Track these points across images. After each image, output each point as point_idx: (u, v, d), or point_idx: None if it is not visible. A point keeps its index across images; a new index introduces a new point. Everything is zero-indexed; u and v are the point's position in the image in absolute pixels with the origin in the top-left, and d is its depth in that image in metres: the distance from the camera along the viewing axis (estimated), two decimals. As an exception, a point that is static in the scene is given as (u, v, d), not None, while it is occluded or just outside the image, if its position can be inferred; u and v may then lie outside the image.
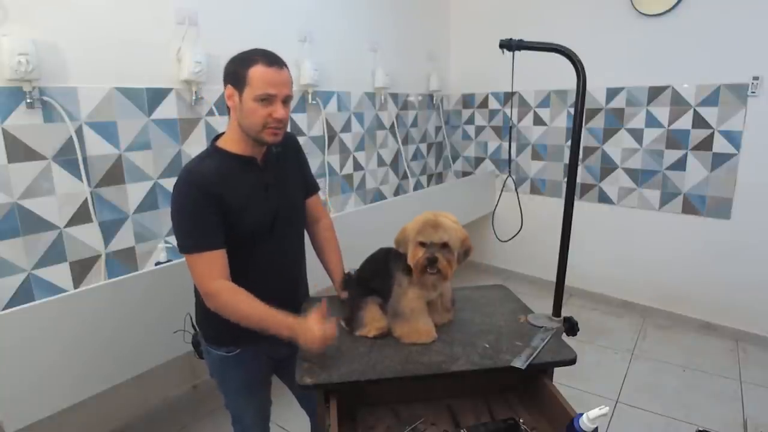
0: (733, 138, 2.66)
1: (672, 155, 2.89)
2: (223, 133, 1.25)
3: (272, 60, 1.14)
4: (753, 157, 2.62)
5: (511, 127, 2.25)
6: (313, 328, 1.05)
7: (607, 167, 3.15)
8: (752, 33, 2.50)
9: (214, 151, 1.21)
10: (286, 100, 1.16)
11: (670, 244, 2.98)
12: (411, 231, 1.11)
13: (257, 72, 1.12)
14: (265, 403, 1.44)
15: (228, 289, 1.12)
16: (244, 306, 1.11)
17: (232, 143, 1.21)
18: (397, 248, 1.16)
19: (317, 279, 1.48)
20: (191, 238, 1.13)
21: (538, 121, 3.42)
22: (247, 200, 1.18)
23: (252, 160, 1.22)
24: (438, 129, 3.81)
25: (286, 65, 1.17)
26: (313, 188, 1.45)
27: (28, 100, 1.59)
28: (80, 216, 1.77)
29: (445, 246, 1.09)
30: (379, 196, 3.27)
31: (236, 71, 1.14)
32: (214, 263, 1.12)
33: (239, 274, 1.23)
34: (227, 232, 1.16)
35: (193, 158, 1.22)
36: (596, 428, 0.83)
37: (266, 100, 1.12)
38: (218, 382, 1.37)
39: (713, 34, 2.62)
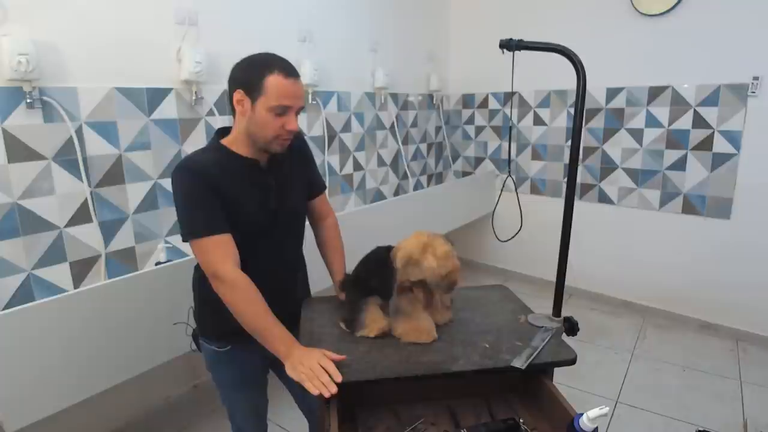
0: (733, 138, 2.66)
1: (672, 155, 2.89)
2: (226, 128, 1.23)
3: (290, 71, 1.10)
4: (753, 157, 2.62)
5: (511, 127, 2.25)
6: (314, 365, 0.98)
7: (607, 167, 3.15)
8: (752, 33, 2.50)
9: (217, 148, 1.19)
10: (298, 111, 1.14)
11: (670, 244, 2.98)
12: (398, 261, 1.09)
13: (274, 82, 1.07)
14: (259, 400, 1.43)
15: (241, 285, 1.08)
16: (249, 310, 1.08)
17: (237, 144, 1.18)
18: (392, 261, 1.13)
19: (318, 280, 1.48)
20: (200, 222, 1.10)
21: (538, 121, 3.42)
22: (245, 199, 1.16)
23: (255, 163, 1.20)
24: (438, 129, 3.81)
25: (299, 75, 1.14)
26: (319, 187, 1.42)
27: (28, 100, 1.58)
28: (80, 216, 1.77)
29: (422, 281, 1.10)
30: (379, 196, 3.27)
31: (250, 77, 1.09)
32: (226, 246, 1.10)
33: None
34: None
35: (195, 151, 1.20)
36: (596, 428, 0.83)
37: (281, 112, 1.10)
38: (212, 376, 1.37)
39: (713, 34, 2.62)
